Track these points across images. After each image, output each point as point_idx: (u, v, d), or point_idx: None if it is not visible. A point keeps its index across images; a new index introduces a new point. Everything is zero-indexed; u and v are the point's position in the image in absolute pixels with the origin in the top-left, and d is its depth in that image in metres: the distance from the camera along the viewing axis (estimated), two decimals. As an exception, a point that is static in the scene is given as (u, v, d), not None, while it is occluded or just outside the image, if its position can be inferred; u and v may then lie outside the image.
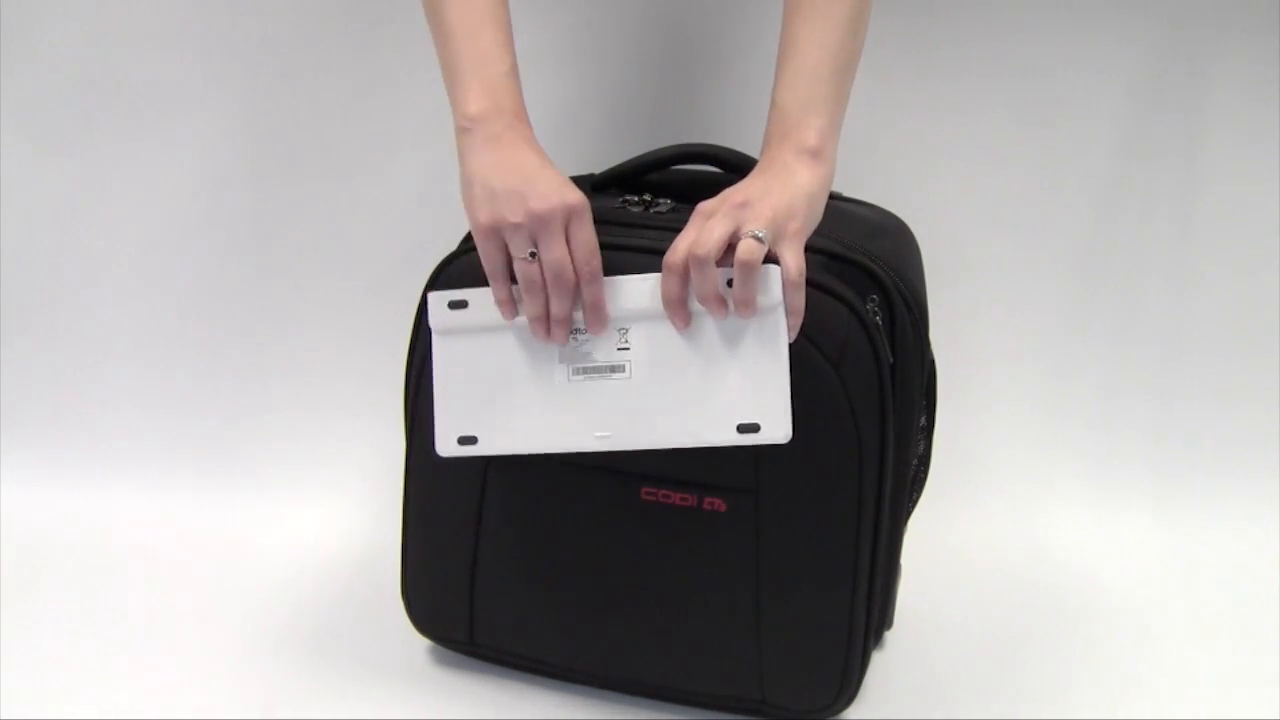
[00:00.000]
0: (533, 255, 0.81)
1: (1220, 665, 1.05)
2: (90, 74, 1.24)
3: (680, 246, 0.79)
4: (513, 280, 0.84)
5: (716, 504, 0.89)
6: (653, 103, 1.23)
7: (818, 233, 0.85)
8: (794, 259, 0.79)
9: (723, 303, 0.79)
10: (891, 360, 0.89)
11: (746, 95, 1.21)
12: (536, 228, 0.81)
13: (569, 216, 0.81)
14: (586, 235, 0.82)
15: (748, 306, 0.79)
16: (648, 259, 0.84)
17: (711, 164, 0.98)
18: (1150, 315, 1.28)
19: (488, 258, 0.83)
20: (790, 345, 0.81)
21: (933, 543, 1.16)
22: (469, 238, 0.89)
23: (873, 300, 0.88)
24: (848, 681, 0.93)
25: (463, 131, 0.86)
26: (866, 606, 0.92)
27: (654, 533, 0.91)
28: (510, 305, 0.84)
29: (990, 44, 1.20)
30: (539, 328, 0.83)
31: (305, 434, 1.32)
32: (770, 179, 0.83)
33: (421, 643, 1.04)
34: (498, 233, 0.82)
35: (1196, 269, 1.26)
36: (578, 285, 0.82)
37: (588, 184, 1.01)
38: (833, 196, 1.01)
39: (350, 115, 1.25)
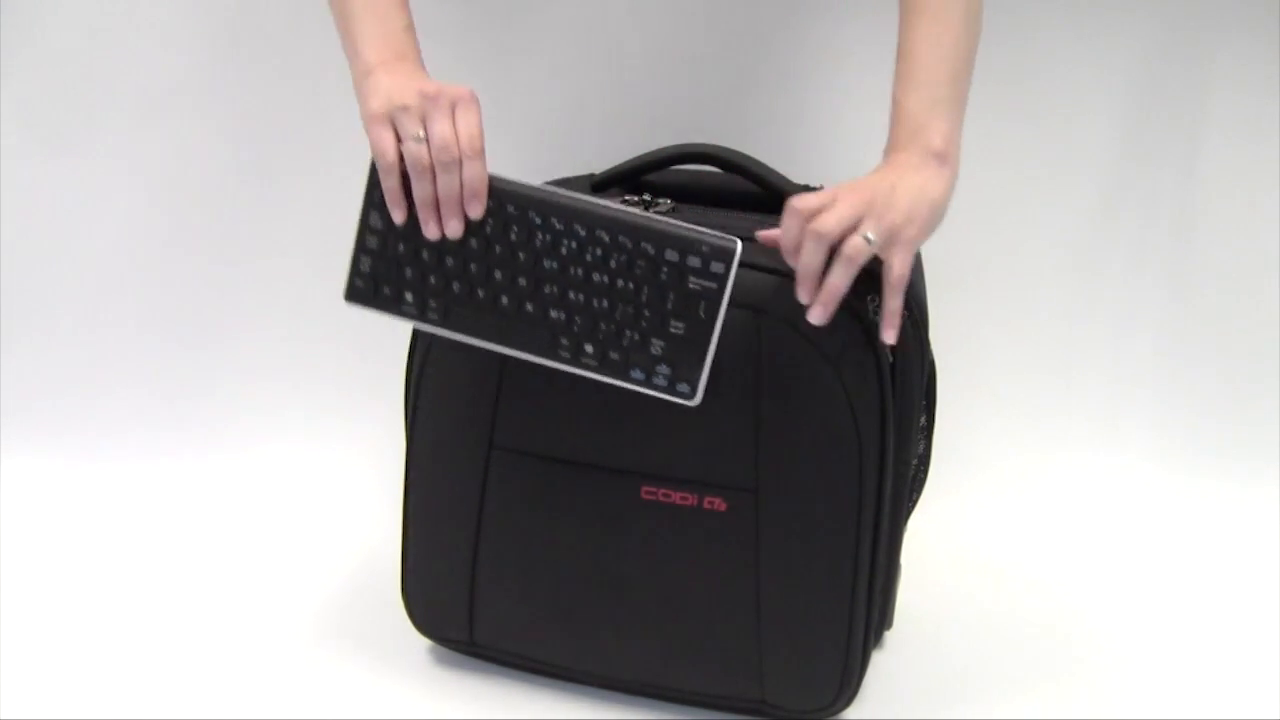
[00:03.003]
0: (421, 139, 0.82)
1: (1224, 667, 1.05)
2: (90, 74, 1.24)
3: (811, 204, 0.81)
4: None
5: (716, 503, 0.89)
6: (653, 103, 1.23)
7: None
8: (900, 263, 0.82)
9: (815, 282, 0.81)
10: (891, 360, 0.89)
11: (747, 95, 1.21)
12: (426, 106, 0.82)
13: (455, 100, 0.83)
14: (472, 118, 0.83)
15: (833, 298, 0.81)
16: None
17: (711, 164, 0.98)
18: (1150, 315, 1.28)
19: (380, 149, 0.84)
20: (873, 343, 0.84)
21: (933, 543, 1.16)
22: None
23: (873, 300, 0.88)
24: (848, 681, 0.93)
25: (363, 76, 0.88)
26: (866, 606, 0.92)
27: (654, 532, 0.91)
28: (400, 201, 0.85)
29: (989, 44, 1.20)
30: (429, 219, 0.84)
31: (305, 433, 1.32)
32: (900, 178, 0.84)
33: (421, 643, 1.04)
34: (389, 118, 0.83)
35: (1196, 269, 1.26)
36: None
37: (588, 184, 1.01)
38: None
39: (349, 114, 1.24)
